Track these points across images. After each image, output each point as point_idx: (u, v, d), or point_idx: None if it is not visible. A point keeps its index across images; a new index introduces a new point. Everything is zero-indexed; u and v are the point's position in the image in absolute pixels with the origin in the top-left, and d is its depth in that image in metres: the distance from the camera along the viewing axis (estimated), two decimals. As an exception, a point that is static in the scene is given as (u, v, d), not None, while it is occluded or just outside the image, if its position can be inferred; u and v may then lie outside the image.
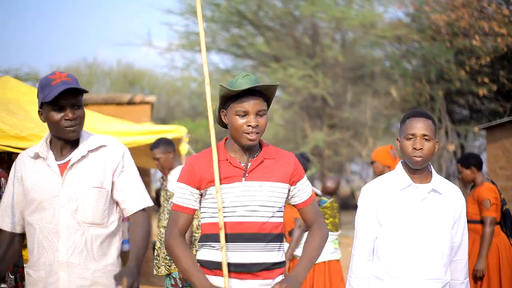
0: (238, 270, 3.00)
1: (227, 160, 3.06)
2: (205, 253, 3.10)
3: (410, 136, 3.18)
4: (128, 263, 2.96)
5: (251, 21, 17.37)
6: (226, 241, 3.01)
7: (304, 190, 3.15)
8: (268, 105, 3.08)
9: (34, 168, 3.11)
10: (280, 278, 3.08)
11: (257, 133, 2.99)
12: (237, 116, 2.98)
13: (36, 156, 3.11)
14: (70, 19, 66.26)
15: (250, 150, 3.07)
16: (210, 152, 3.09)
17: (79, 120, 3.04)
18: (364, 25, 16.54)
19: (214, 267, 3.04)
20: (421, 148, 3.17)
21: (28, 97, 7.52)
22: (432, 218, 3.21)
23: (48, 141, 3.11)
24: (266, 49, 17.76)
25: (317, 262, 5.83)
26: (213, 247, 3.07)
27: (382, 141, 19.04)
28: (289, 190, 3.12)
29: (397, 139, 3.29)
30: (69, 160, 3.06)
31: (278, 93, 20.28)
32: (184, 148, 7.97)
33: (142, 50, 60.82)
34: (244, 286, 3.01)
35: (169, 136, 7.38)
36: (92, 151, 3.10)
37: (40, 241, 3.06)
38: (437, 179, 3.28)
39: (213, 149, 3.03)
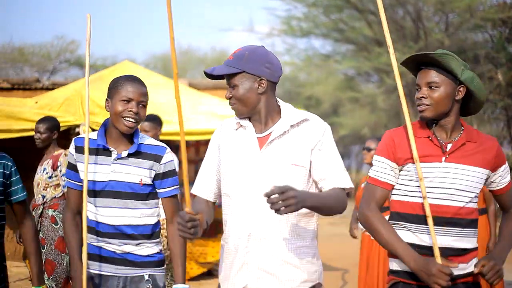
0: (430, 253, 2.92)
1: (428, 137, 3.00)
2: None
3: None
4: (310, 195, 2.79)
5: (354, 4, 17.24)
6: (419, 223, 2.94)
7: (504, 176, 3.09)
8: (454, 76, 2.97)
9: (234, 138, 3.05)
10: (475, 260, 3.01)
11: (427, 105, 2.96)
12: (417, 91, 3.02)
13: (238, 126, 3.06)
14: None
15: (453, 129, 3.01)
16: (411, 127, 3.02)
17: None
18: (471, 7, 16.11)
19: None
20: None
21: (147, 81, 7.82)
22: None
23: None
24: (369, 32, 17.59)
25: None
26: (405, 227, 3.01)
27: (486, 127, 18.55)
28: (488, 176, 3.03)
29: None
30: (270, 133, 3.00)
31: (377, 78, 20.10)
32: None
33: (234, 36, 61.29)
34: None
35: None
36: (293, 126, 3.00)
37: (233, 212, 3.01)
38: None
39: (408, 124, 2.96)
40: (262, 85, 2.95)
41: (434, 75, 2.96)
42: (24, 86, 10.43)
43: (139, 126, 6.16)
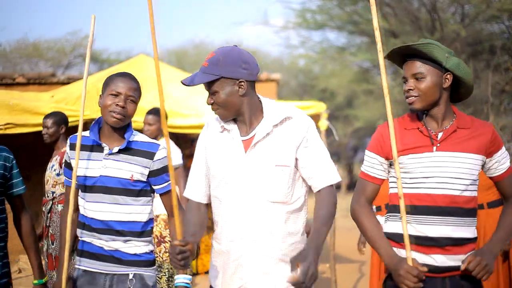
0: (427, 243, 2.93)
1: (418, 128, 3.00)
2: (393, 226, 3.05)
3: None
4: (306, 246, 2.76)
5: (368, -4, 17.11)
6: (415, 213, 2.93)
7: (501, 162, 3.04)
8: (440, 64, 2.94)
9: (220, 141, 3.06)
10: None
11: (416, 96, 2.95)
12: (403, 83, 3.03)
13: (222, 129, 3.06)
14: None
15: (444, 118, 2.99)
16: (402, 120, 3.05)
17: None
18: (486, -2, 15.97)
19: (402, 240, 2.95)
20: None
21: (164, 75, 7.81)
22: None
23: None
24: (384, 24, 17.50)
25: None
26: (401, 218, 2.94)
27: (504, 118, 18.39)
28: (484, 162, 3.01)
29: None
30: (254, 135, 2.99)
31: (392, 70, 19.96)
32: (323, 124, 7.89)
33: (248, 29, 61.19)
34: (431, 261, 2.94)
35: (309, 112, 7.43)
36: (276, 125, 2.98)
37: (224, 215, 3.02)
38: None
39: (389, 119, 2.91)
40: (242, 87, 2.94)
41: (419, 66, 2.95)
42: (39, 81, 10.46)
43: (143, 119, 6.21)
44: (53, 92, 8.30)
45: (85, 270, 3.38)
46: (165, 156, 3.37)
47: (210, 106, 3.00)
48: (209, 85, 2.94)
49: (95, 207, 3.31)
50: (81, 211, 3.38)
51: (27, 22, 50.13)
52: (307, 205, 3.09)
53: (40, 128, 6.17)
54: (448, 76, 2.96)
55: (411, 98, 2.96)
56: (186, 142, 8.91)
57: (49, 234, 5.67)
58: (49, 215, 5.70)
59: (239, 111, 2.98)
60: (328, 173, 2.98)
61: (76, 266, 3.42)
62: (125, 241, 3.33)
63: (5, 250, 3.56)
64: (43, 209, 5.75)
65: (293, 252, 2.95)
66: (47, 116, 5.82)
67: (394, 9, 17.67)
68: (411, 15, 17.72)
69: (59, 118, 5.78)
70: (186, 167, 9.21)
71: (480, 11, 17.10)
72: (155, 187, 3.40)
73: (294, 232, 3.00)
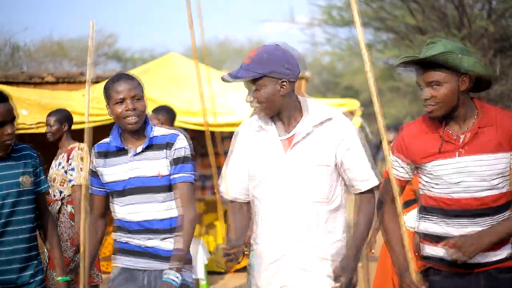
0: None
1: (439, 133, 2.94)
2: (425, 226, 3.04)
3: None
4: (346, 254, 2.97)
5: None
6: (444, 217, 2.95)
7: None
8: (457, 71, 2.85)
9: (258, 141, 3.06)
10: (508, 247, 2.93)
11: (433, 105, 2.87)
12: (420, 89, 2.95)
13: (259, 129, 3.06)
14: (207, -3, 67.43)
15: (465, 118, 2.92)
16: (423, 122, 3.00)
17: None
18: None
19: (434, 239, 2.99)
20: None
21: (193, 73, 7.76)
22: None
23: None
24: (412, 20, 17.39)
25: None
26: (431, 220, 3.01)
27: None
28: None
29: None
30: (293, 135, 2.99)
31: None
32: (357, 121, 7.78)
33: (273, 27, 61.06)
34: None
35: (342, 109, 7.33)
36: (317, 126, 2.99)
37: (264, 216, 3.03)
38: None
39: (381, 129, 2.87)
40: (284, 87, 2.92)
41: (434, 74, 2.86)
42: (68, 80, 10.48)
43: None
44: (84, 91, 8.31)
45: (122, 268, 3.39)
46: (183, 147, 3.34)
47: (249, 103, 3.00)
48: (251, 83, 2.94)
49: (129, 210, 3.32)
50: (117, 216, 3.39)
51: (52, 21, 50.60)
52: (346, 204, 3.10)
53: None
54: (465, 78, 2.87)
55: (429, 106, 2.89)
56: (215, 140, 8.83)
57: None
58: (58, 215, 5.56)
59: (278, 110, 2.99)
60: (370, 177, 3.02)
61: (114, 265, 3.43)
62: (162, 238, 3.32)
63: (36, 244, 3.57)
64: (49, 208, 5.62)
65: (336, 250, 3.00)
66: (49, 114, 5.72)
67: (421, 5, 17.52)
68: (438, 11, 17.56)
69: (62, 116, 5.68)
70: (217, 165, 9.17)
71: (508, 7, 16.93)
72: (171, 178, 3.32)
73: (335, 230, 3.02)
